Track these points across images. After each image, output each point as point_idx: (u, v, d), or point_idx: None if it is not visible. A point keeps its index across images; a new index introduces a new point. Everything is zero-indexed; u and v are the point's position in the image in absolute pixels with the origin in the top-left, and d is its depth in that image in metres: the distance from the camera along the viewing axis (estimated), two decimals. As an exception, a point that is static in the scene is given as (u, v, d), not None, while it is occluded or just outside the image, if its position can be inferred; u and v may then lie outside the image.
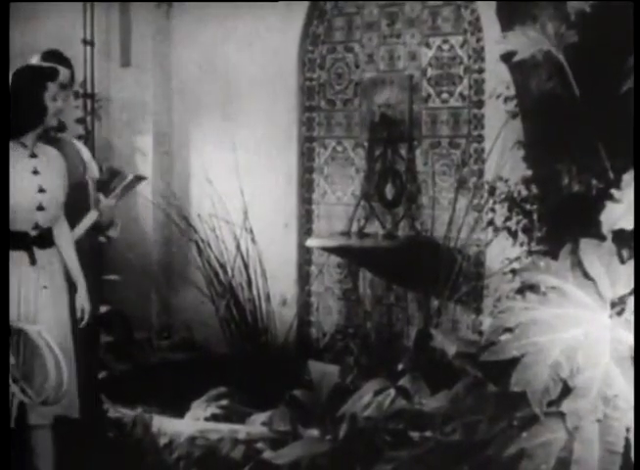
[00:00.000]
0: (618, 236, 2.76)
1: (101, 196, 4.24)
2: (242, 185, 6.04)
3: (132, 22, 6.55)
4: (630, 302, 2.66)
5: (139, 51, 6.54)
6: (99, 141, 6.48)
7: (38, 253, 3.78)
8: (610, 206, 2.80)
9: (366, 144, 5.93)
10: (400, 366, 4.95)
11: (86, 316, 3.89)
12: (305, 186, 6.21)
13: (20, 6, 6.24)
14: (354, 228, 5.89)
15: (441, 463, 3.81)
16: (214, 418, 4.96)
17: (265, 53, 6.16)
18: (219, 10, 6.23)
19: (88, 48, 6.52)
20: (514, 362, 2.62)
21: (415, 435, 4.34)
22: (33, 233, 3.77)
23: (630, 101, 3.03)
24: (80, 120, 6.50)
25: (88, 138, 6.48)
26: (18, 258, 3.73)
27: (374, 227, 5.88)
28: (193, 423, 4.67)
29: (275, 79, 6.16)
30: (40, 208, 3.76)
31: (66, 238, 3.91)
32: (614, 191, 2.82)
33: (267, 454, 4.57)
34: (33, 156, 3.82)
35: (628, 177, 2.83)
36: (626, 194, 2.80)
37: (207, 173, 6.18)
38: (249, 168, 6.14)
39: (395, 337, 5.72)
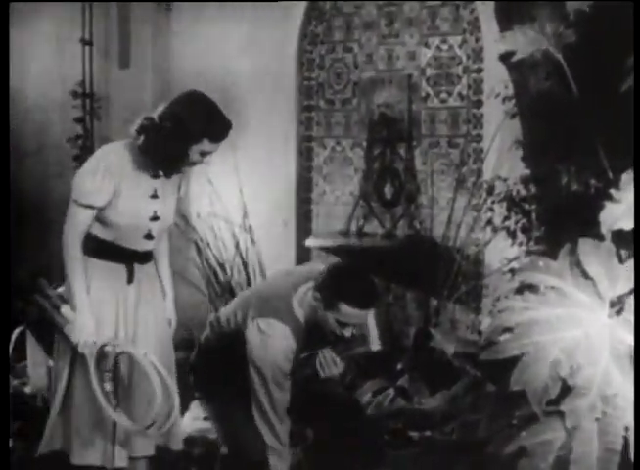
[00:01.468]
0: (617, 236, 2.76)
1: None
2: (241, 185, 6.05)
3: (131, 22, 6.55)
4: (629, 301, 2.66)
5: (138, 51, 6.54)
6: (98, 141, 6.48)
7: (137, 268, 3.56)
8: (608, 206, 2.80)
9: (365, 143, 5.93)
10: (399, 366, 4.96)
11: (173, 327, 3.78)
12: (304, 186, 6.22)
13: (20, 6, 6.24)
14: (353, 228, 5.89)
15: (441, 462, 3.83)
16: (214, 418, 4.96)
17: (264, 53, 6.16)
18: (218, 10, 6.24)
19: (87, 48, 6.52)
20: (513, 362, 2.63)
21: (414, 434, 4.35)
22: (139, 254, 3.56)
23: (629, 100, 3.03)
24: (79, 120, 6.51)
25: (87, 137, 6.49)
26: (115, 272, 3.53)
27: (373, 227, 5.89)
28: (192, 422, 4.67)
29: (274, 79, 6.16)
30: (149, 236, 3.53)
31: (164, 252, 3.73)
32: (612, 191, 2.82)
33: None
34: (156, 176, 3.52)
35: (627, 177, 2.83)
36: (625, 194, 2.80)
37: (207, 173, 6.18)
38: (248, 168, 6.15)
39: (395, 336, 5.72)
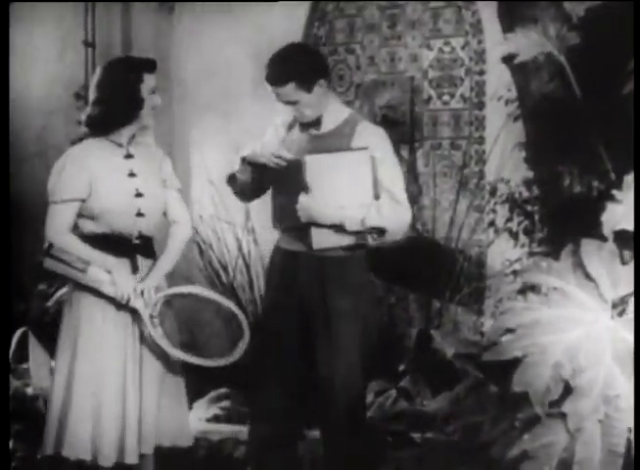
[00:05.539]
0: (620, 237, 2.77)
1: None
2: (243, 186, 6.04)
3: (133, 23, 6.55)
4: (632, 302, 2.66)
5: (140, 52, 6.53)
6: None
7: (141, 261, 3.58)
8: (611, 207, 2.80)
9: (367, 145, 5.93)
10: (402, 367, 4.96)
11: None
12: (306, 187, 6.21)
13: (20, 6, 6.24)
14: (356, 229, 5.88)
15: (443, 464, 3.82)
16: (216, 419, 4.96)
17: (266, 54, 6.14)
18: (220, 11, 6.24)
19: (89, 50, 6.53)
20: (515, 363, 2.63)
21: (416, 435, 4.35)
22: (137, 242, 3.57)
23: (631, 102, 3.03)
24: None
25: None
26: (119, 265, 3.53)
27: (375, 228, 5.87)
28: (195, 424, 4.67)
29: (276, 81, 6.15)
30: (140, 214, 3.53)
31: (172, 250, 3.71)
32: (615, 192, 2.83)
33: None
34: (129, 156, 3.57)
35: (629, 178, 2.83)
36: (627, 195, 2.80)
37: (209, 174, 6.18)
38: (250, 170, 6.14)
39: (397, 338, 5.72)
